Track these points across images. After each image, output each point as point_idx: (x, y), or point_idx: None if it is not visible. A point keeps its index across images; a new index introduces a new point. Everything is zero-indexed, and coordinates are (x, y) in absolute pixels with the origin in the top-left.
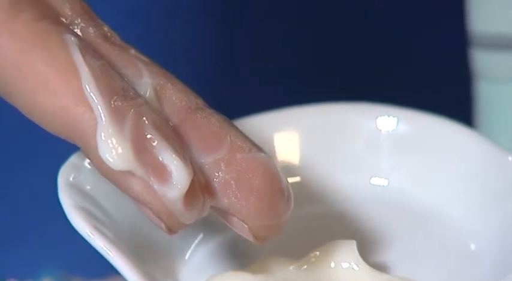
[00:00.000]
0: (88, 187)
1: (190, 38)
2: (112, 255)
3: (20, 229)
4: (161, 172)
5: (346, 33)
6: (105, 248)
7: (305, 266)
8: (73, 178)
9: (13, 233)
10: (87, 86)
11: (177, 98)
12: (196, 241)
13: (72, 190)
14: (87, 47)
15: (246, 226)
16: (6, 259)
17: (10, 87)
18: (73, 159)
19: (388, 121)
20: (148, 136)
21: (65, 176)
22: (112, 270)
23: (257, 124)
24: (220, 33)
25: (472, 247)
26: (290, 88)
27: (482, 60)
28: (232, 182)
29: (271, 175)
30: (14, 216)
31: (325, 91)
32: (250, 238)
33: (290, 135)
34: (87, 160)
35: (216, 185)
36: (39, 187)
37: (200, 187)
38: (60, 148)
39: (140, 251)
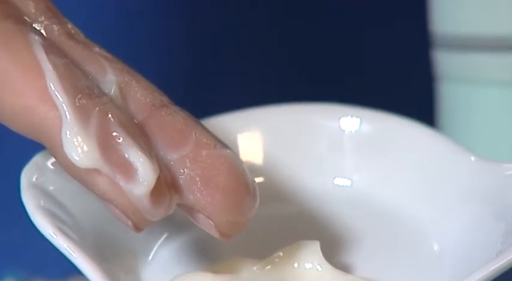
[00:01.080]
0: (51, 188)
1: (158, 37)
2: (75, 255)
3: None
4: (127, 169)
5: (309, 34)
6: (68, 249)
7: (269, 267)
8: (36, 179)
9: None
10: (51, 84)
11: (142, 95)
12: (160, 241)
13: (36, 191)
14: (51, 46)
15: (211, 222)
16: None
17: None
18: (36, 159)
19: (351, 122)
20: (114, 134)
21: (28, 176)
22: (75, 270)
23: (221, 124)
24: (185, 33)
25: (436, 247)
26: (254, 88)
27: (444, 61)
28: (197, 178)
29: (236, 171)
30: None
31: (289, 91)
32: (216, 235)
33: (254, 136)
34: (51, 160)
35: (181, 182)
36: (1, 187)
37: (166, 184)
38: (24, 148)
39: (104, 252)
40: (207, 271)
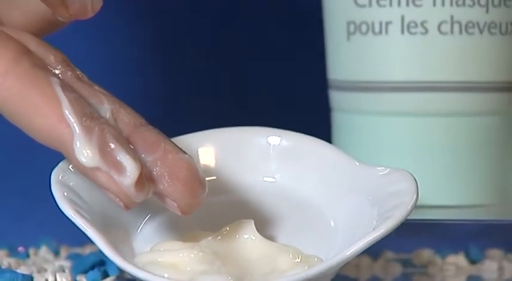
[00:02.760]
0: (71, 183)
1: (136, 78)
2: (88, 230)
3: (28, 212)
4: (119, 167)
5: (227, 71)
6: (83, 225)
7: (219, 237)
8: (61, 177)
9: (24, 214)
10: (66, 111)
11: (127, 118)
12: (145, 220)
13: (61, 185)
14: (65, 85)
15: (175, 204)
16: (17, 231)
17: (14, 113)
18: (61, 164)
19: (275, 138)
20: (109, 144)
21: (56, 176)
22: (88, 240)
23: (186, 141)
24: (161, 72)
25: (332, 223)
26: (208, 115)
27: (336, 98)
28: (165, 174)
29: (192, 168)
30: (27, 202)
31: (231, 117)
32: (179, 213)
33: (209, 149)
34: (71, 165)
35: (155, 176)
36: (40, 183)
37: (145, 177)
38: (53, 157)
39: (107, 227)
40: (177, 240)
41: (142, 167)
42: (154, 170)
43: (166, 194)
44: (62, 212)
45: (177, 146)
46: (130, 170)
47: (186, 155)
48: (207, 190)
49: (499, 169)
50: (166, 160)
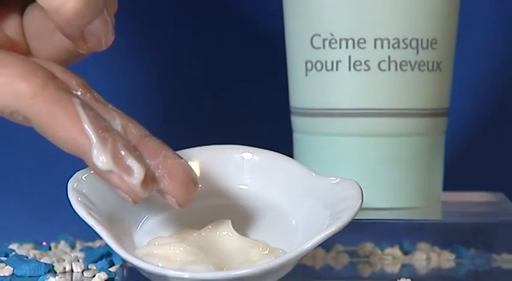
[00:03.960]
0: (84, 190)
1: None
2: (97, 228)
3: (49, 213)
4: (128, 170)
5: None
6: (94, 225)
7: (203, 234)
8: (76, 185)
9: (46, 215)
10: (85, 125)
11: (135, 131)
12: (143, 220)
13: (76, 192)
14: (85, 104)
15: (174, 199)
16: (41, 229)
17: (43, 127)
18: (76, 175)
19: (247, 154)
20: (120, 151)
21: (71, 184)
22: (97, 236)
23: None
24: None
25: (294, 222)
26: (198, 136)
27: (297, 121)
28: (165, 175)
29: (187, 171)
30: (49, 205)
31: (212, 137)
32: (176, 206)
33: (195, 162)
34: (84, 175)
35: (157, 177)
36: (59, 190)
37: (149, 178)
38: (71, 168)
39: (112, 226)
40: (169, 236)
41: (147, 170)
42: (157, 172)
43: (166, 192)
44: (77, 213)
45: (175, 152)
46: (137, 172)
47: (182, 160)
48: (198, 188)
49: (426, 178)
50: (166, 164)
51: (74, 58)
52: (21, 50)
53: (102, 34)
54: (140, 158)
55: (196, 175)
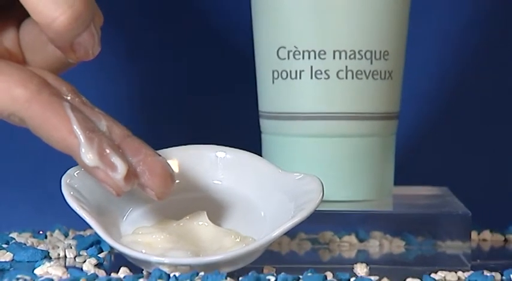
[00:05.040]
0: (76, 185)
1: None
2: (88, 218)
3: (46, 205)
4: (112, 166)
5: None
6: (85, 216)
7: (181, 224)
8: (68, 181)
9: (43, 207)
10: (74, 126)
11: (118, 131)
12: (128, 211)
13: (68, 187)
14: (74, 108)
15: (153, 192)
16: (38, 219)
17: (37, 128)
18: (68, 172)
19: (221, 153)
20: (105, 149)
21: (65, 180)
22: (88, 226)
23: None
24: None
25: (262, 214)
26: (177, 137)
27: (265, 124)
28: (146, 171)
29: (165, 167)
30: (45, 198)
31: (190, 137)
32: (155, 199)
33: (174, 160)
34: (76, 172)
35: (138, 172)
36: (55, 185)
37: (131, 173)
38: (63, 165)
39: (101, 216)
40: (151, 226)
41: (129, 166)
42: (138, 168)
43: (146, 186)
44: (69, 206)
45: (154, 151)
46: (121, 168)
47: (161, 157)
48: (175, 182)
49: (379, 174)
50: (146, 161)
51: (65, 67)
52: (18, 59)
53: (89, 45)
54: (123, 156)
55: (173, 170)
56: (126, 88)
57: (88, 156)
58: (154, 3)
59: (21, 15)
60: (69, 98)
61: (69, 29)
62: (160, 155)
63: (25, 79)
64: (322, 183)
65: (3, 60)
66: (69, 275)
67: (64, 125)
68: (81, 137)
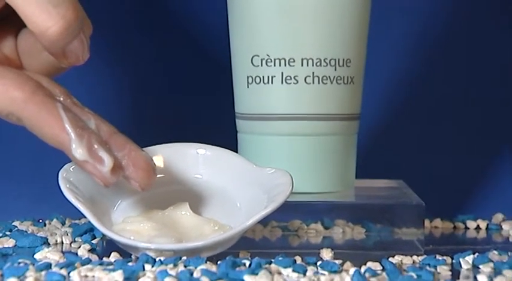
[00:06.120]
0: (71, 179)
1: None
2: (82, 209)
3: (45, 197)
4: (100, 160)
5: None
6: (78, 206)
7: (166, 213)
8: (65, 175)
9: (42, 198)
10: (66, 124)
11: (106, 128)
12: (118, 203)
13: (65, 180)
14: (66, 108)
15: (137, 183)
16: (38, 209)
17: (33, 126)
18: (65, 167)
19: (201, 150)
20: (94, 145)
21: (61, 174)
22: (82, 215)
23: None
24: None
25: (238, 204)
26: (161, 135)
27: (240, 124)
28: (130, 164)
29: (148, 161)
30: (44, 190)
31: (174, 137)
32: (139, 189)
33: (159, 156)
34: (71, 167)
35: (123, 166)
36: (53, 178)
37: (117, 166)
38: (60, 160)
39: (93, 207)
40: (139, 215)
41: (115, 160)
42: (123, 162)
43: (131, 178)
44: (66, 197)
45: (138, 146)
46: (107, 162)
47: (144, 152)
48: (157, 175)
49: (342, 169)
50: (130, 155)
51: (58, 71)
52: (16, 65)
53: (79, 52)
54: (110, 151)
55: (155, 164)
56: (114, 90)
57: (78, 151)
58: (140, 14)
59: (19, 25)
60: (61, 99)
61: (61, 38)
62: (143, 150)
63: (22, 82)
64: (291, 177)
65: (2, 66)
66: (65, 259)
67: (57, 124)
68: (72, 134)
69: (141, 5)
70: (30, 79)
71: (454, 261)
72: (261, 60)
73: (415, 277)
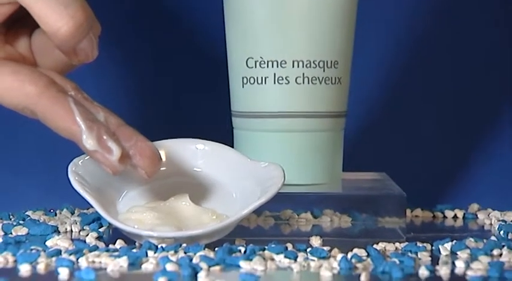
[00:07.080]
0: (80, 172)
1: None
2: (89, 199)
3: (56, 188)
4: (109, 150)
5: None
6: (87, 196)
7: (168, 204)
8: (74, 168)
9: (53, 190)
10: (77, 117)
11: (114, 121)
12: (124, 193)
13: (74, 173)
14: (77, 102)
15: (143, 171)
16: (49, 200)
17: (46, 119)
18: (74, 160)
19: (200, 145)
20: (103, 136)
21: (71, 167)
22: (90, 205)
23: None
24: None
25: (234, 195)
26: (164, 131)
27: (236, 121)
28: (137, 153)
29: (153, 150)
30: (55, 182)
31: (175, 133)
32: (145, 177)
33: (162, 151)
34: (80, 160)
35: (131, 155)
36: (63, 171)
37: (125, 156)
38: (70, 154)
39: (100, 197)
40: (142, 206)
41: (123, 150)
42: (130, 151)
43: (138, 166)
44: (75, 189)
45: (144, 137)
46: (116, 151)
47: (150, 142)
48: (162, 163)
49: (330, 162)
50: (137, 145)
51: (69, 68)
52: (30, 62)
53: (89, 50)
54: (118, 141)
55: (160, 153)
56: (122, 86)
57: (89, 142)
58: (144, 16)
59: (33, 25)
60: (72, 94)
61: (72, 37)
62: (149, 141)
63: (36, 78)
64: (283, 170)
65: (17, 63)
66: (74, 246)
67: (68, 116)
68: (83, 126)
69: (140, 7)
70: (44, 75)
71: (433, 248)
72: (255, 62)
73: (397, 262)
